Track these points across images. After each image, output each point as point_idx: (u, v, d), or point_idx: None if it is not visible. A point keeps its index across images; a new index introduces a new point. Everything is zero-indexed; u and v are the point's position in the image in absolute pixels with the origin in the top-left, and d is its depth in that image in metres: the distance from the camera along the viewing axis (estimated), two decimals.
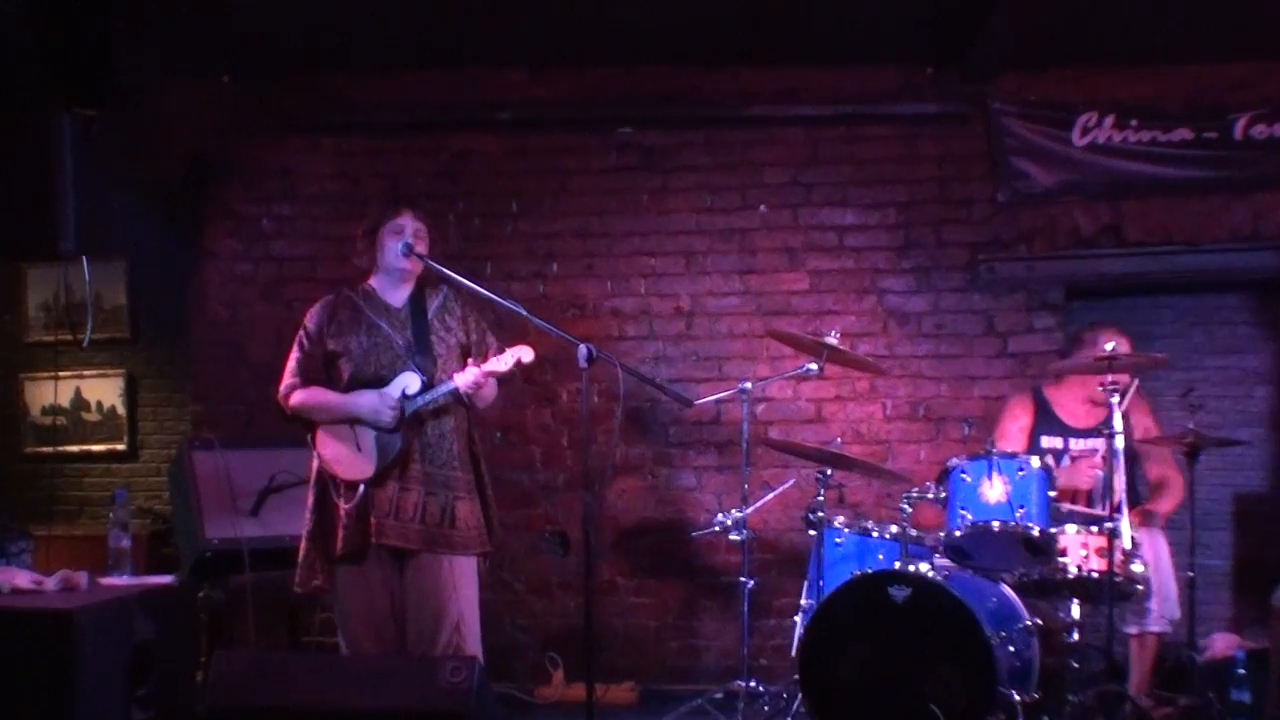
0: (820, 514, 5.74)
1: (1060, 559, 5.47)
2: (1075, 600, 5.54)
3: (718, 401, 6.64)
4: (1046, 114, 6.92)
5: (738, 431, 6.25)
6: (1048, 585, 5.60)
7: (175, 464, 6.08)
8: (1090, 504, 5.93)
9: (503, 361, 4.78)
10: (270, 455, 5.87)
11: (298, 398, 4.95)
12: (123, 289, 8.12)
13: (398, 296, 5.01)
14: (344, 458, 4.87)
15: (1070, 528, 5.51)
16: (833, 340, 5.77)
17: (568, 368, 6.83)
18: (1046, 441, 6.08)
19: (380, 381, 4.85)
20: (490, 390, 4.96)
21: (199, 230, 7.25)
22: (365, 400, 4.83)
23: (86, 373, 8.23)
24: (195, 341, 7.30)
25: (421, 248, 4.95)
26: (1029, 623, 5.47)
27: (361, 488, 4.82)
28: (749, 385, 6.00)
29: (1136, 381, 5.97)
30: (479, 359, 4.91)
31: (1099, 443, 5.72)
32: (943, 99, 6.99)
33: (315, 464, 4.95)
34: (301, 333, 5.01)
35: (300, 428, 5.01)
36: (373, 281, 5.05)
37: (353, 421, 4.86)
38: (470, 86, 7.17)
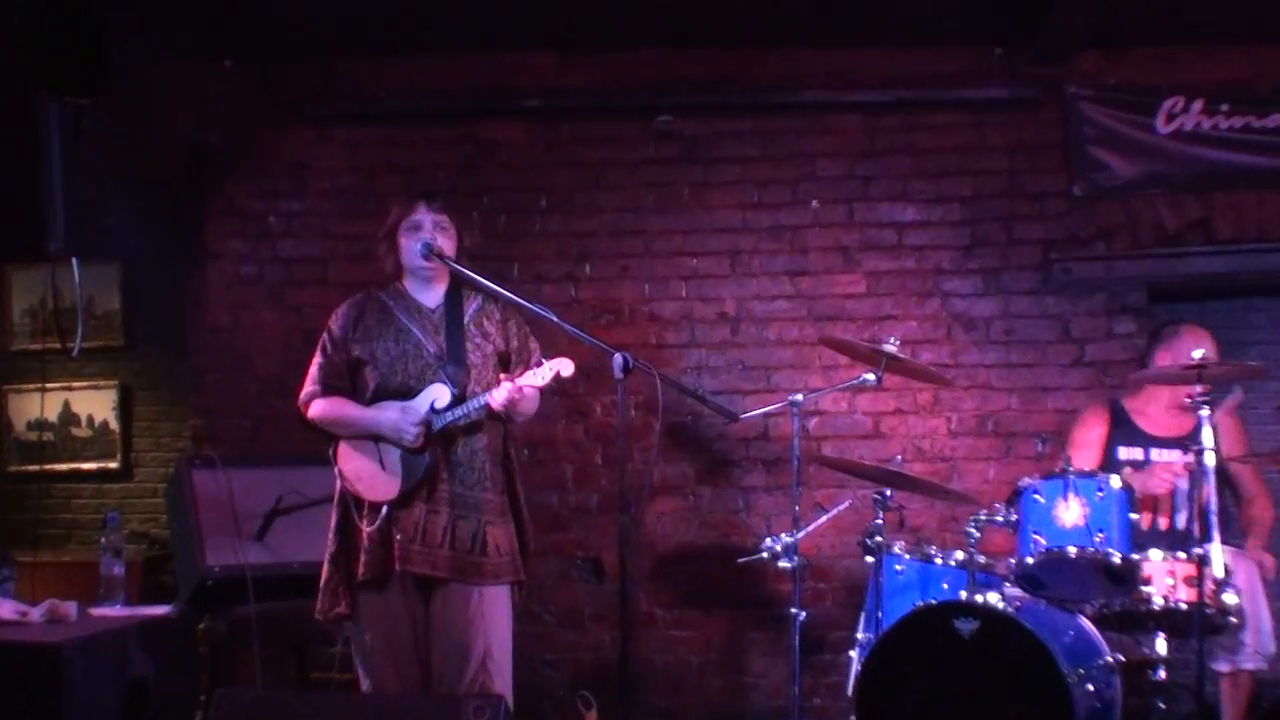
0: (879, 539, 5.73)
1: (1144, 588, 5.42)
2: (1161, 634, 5.50)
3: (766, 415, 6.62)
4: (1128, 98, 6.90)
5: (788, 448, 6.25)
6: (1130, 617, 5.56)
7: (173, 484, 6.10)
8: (1172, 514, 5.89)
9: (540, 375, 4.77)
10: (277, 474, 5.89)
11: (317, 408, 4.98)
12: (116, 293, 8.19)
13: (430, 297, 5.03)
14: (366, 475, 4.89)
15: (1155, 553, 5.46)
16: (892, 348, 5.76)
17: (602, 379, 6.82)
18: (1125, 453, 6.05)
19: (408, 393, 4.86)
20: (530, 404, 4.98)
21: (199, 229, 7.30)
22: (388, 416, 4.85)
23: (76, 384, 8.30)
24: (195, 350, 7.34)
25: (446, 245, 4.95)
26: (1110, 659, 5.44)
27: (385, 509, 4.83)
28: (800, 397, 5.99)
29: (1239, 392, 5.92)
30: (520, 369, 4.92)
31: (1185, 454, 5.66)
32: (1013, 82, 6.98)
33: (338, 481, 4.97)
34: (325, 335, 5.04)
35: (321, 439, 5.04)
36: (405, 281, 5.07)
37: (376, 438, 4.89)
38: (495, 71, 7.20)
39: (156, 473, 8.18)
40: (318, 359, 5.02)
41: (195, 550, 5.71)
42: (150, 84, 6.81)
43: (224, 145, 7.24)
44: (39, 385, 8.14)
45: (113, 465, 8.28)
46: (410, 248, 4.94)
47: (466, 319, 5.00)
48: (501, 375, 4.89)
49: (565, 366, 4.78)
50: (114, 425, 8.29)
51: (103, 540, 5.55)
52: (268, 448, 6.89)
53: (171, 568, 6.48)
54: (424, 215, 4.96)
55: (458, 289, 5.05)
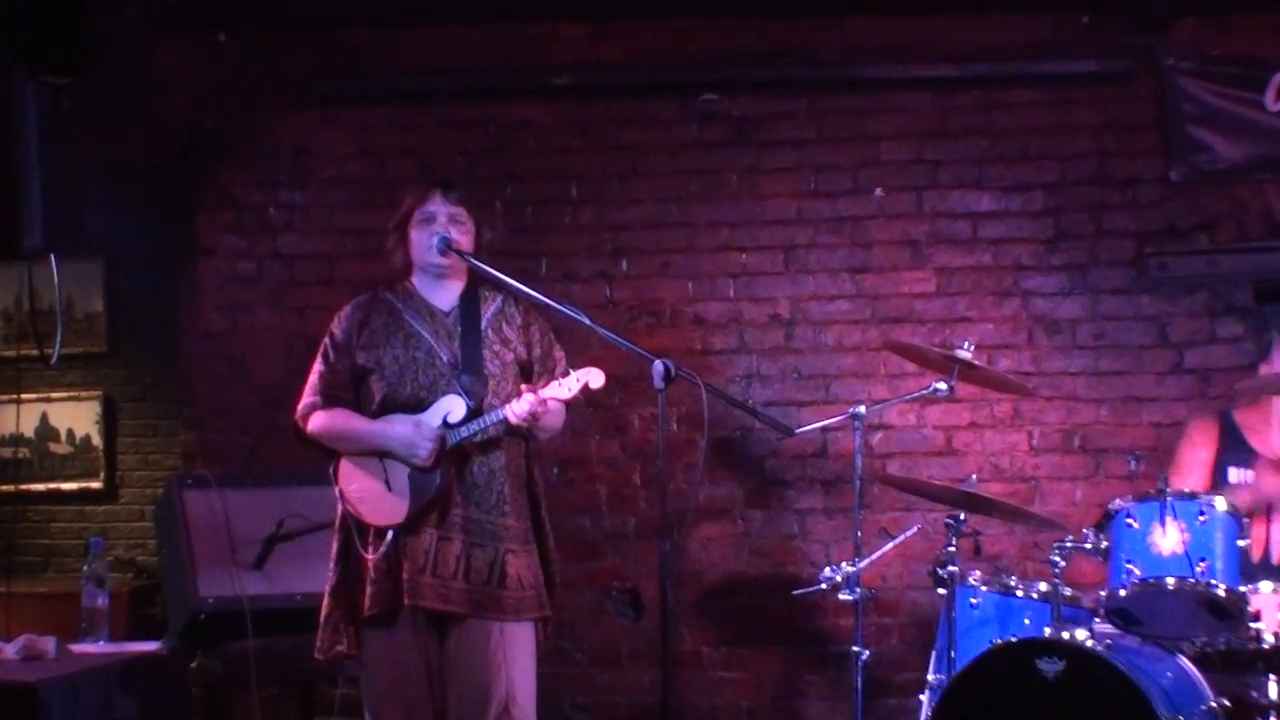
0: (951, 568, 5.70)
1: (1253, 624, 5.38)
2: (1272, 676, 5.45)
3: (824, 429, 6.63)
4: (1233, 72, 6.87)
5: (849, 466, 6.22)
6: (1237, 657, 5.51)
7: (162, 506, 6.14)
8: None
9: (565, 387, 4.74)
10: (278, 495, 5.92)
11: (317, 421, 4.97)
12: (99, 293, 8.25)
13: (444, 297, 5.01)
14: (371, 497, 4.88)
15: (1265, 585, 5.42)
16: (966, 354, 5.73)
17: (640, 389, 6.84)
18: (1235, 475, 5.99)
19: (418, 405, 4.85)
20: (555, 418, 4.97)
21: (192, 222, 7.35)
22: (397, 430, 4.83)
23: (55, 395, 8.35)
24: (187, 357, 7.39)
25: (463, 239, 4.94)
26: (1214, 703, 5.39)
27: (391, 535, 4.81)
28: (863, 410, 5.97)
29: None
30: (542, 381, 4.89)
31: None
32: (1102, 54, 6.96)
33: (340, 504, 4.96)
34: (327, 341, 5.03)
35: (320, 457, 5.03)
36: (414, 279, 5.06)
37: (382, 454, 4.88)
38: (520, 45, 7.24)
39: (144, 494, 8.23)
40: (318, 367, 5.02)
41: (187, 580, 5.74)
42: (137, 61, 6.82)
43: (219, 129, 7.29)
44: (14, 396, 8.18)
45: (95, 485, 8.33)
46: (422, 242, 4.93)
47: (484, 323, 4.98)
48: (523, 386, 4.84)
49: (595, 377, 4.75)
50: (97, 441, 8.34)
51: (84, 569, 5.58)
52: (268, 466, 6.92)
53: (161, 599, 6.53)
54: (439, 206, 4.94)
55: (476, 289, 5.04)
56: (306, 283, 7.28)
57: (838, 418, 6.15)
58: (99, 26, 5.50)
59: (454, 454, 4.83)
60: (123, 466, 8.38)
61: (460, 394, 4.83)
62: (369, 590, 4.82)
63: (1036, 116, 7.04)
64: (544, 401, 4.75)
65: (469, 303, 5.01)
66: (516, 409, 4.73)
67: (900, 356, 6.54)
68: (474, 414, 4.82)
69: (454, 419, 4.81)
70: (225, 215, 7.34)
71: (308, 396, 5.01)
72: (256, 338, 7.27)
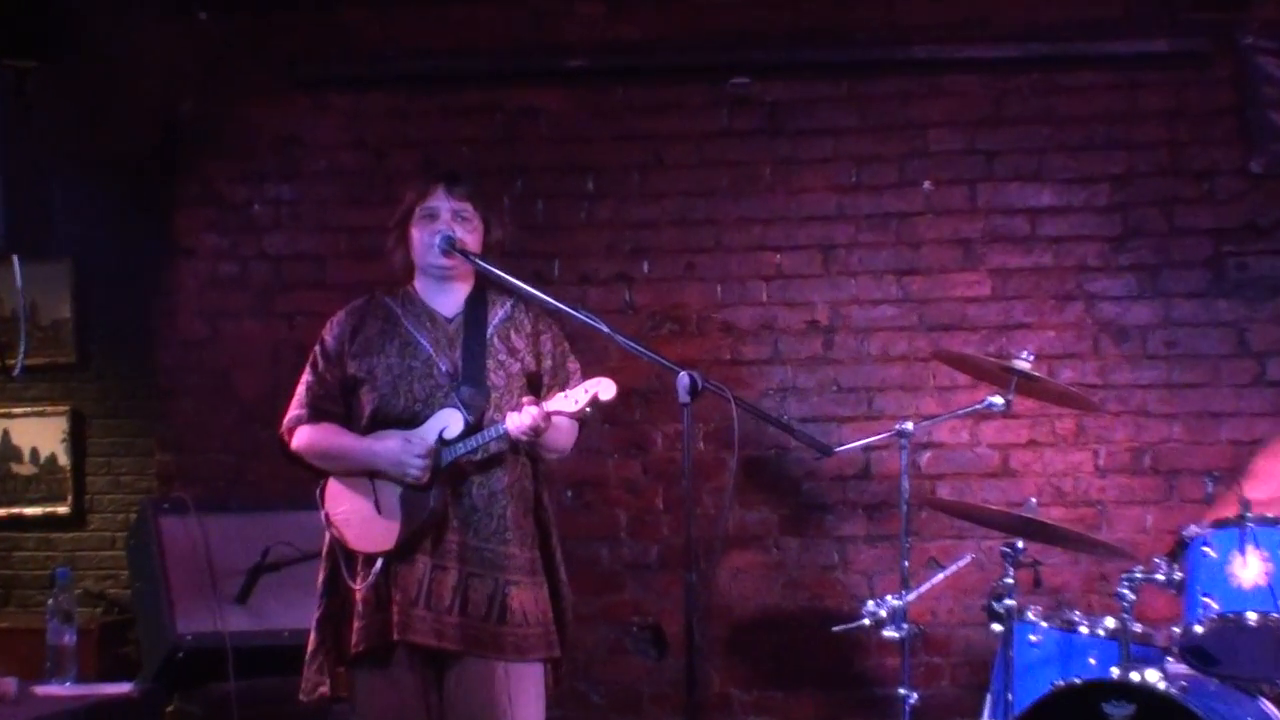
0: (1008, 602, 5.68)
1: None
2: None
3: (867, 448, 6.62)
4: None
5: (894, 489, 6.22)
6: None
7: (135, 533, 6.15)
8: None
9: (572, 399, 4.71)
10: (264, 521, 5.94)
11: (303, 437, 4.98)
12: (67, 298, 8.25)
13: (448, 302, 5.01)
14: (359, 521, 4.88)
15: None
16: (1024, 364, 5.73)
17: (663, 403, 6.87)
18: None
19: (412, 419, 4.84)
20: (563, 436, 4.96)
21: (170, 220, 7.38)
22: (387, 446, 4.82)
23: (17, 410, 8.36)
24: (164, 369, 7.42)
25: (468, 238, 4.94)
26: None
27: (380, 563, 4.81)
28: (909, 426, 5.98)
29: None
30: (551, 394, 4.88)
31: None
32: (1175, 33, 6.95)
33: (327, 529, 4.96)
34: (317, 349, 5.04)
35: (307, 476, 5.04)
36: (416, 283, 5.07)
37: (372, 473, 4.88)
38: (531, 23, 7.27)
39: (115, 519, 8.23)
40: (306, 377, 5.03)
41: (163, 615, 5.75)
42: (109, 42, 6.86)
43: (199, 117, 7.32)
44: None
45: (62, 510, 8.33)
46: (424, 241, 4.92)
47: (490, 330, 4.97)
48: (524, 399, 4.82)
49: (605, 388, 4.70)
50: (63, 460, 8.35)
51: (50, 602, 5.57)
52: (253, 489, 6.95)
53: (134, 636, 6.54)
54: (442, 202, 4.93)
55: (483, 293, 5.04)
56: (296, 286, 7.30)
57: (882, 435, 6.19)
58: (67, 5, 5.54)
59: (451, 474, 4.81)
60: (92, 489, 8.39)
61: (458, 407, 4.82)
62: (356, 625, 4.81)
63: (1102, 101, 7.04)
64: (547, 415, 4.73)
65: (475, 308, 5.00)
66: (516, 422, 4.72)
67: (951, 367, 6.55)
68: (473, 429, 4.81)
69: (451, 434, 4.80)
70: (206, 212, 7.37)
71: (294, 409, 5.02)
72: (241, 347, 7.29)
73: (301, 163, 7.34)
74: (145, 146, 7.22)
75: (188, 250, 7.36)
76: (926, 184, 7.11)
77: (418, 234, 4.95)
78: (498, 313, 5.03)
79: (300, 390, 5.03)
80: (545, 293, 4.88)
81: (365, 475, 4.89)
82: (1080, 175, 7.04)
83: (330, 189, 7.33)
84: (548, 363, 5.02)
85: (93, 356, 8.34)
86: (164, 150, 7.29)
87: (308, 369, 5.03)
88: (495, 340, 4.97)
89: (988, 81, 7.08)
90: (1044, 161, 7.06)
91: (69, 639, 5.52)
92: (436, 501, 4.80)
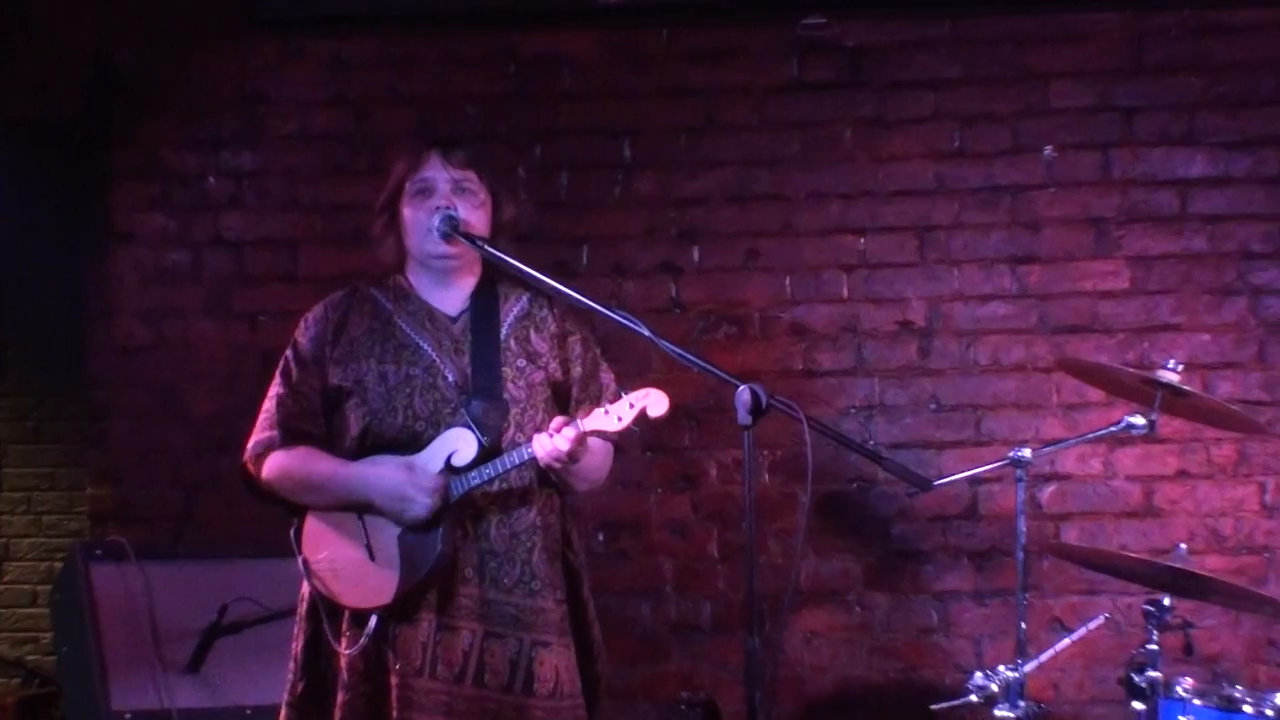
0: (1152, 674, 5.66)
1: None
2: None
3: (974, 481, 6.63)
4: None
5: (1008, 532, 6.22)
6: None
7: (61, 585, 6.17)
8: None
9: (615, 416, 4.66)
10: (221, 571, 5.96)
11: (274, 464, 4.95)
12: None
13: (451, 297, 5.01)
14: (346, 569, 4.87)
15: None
16: (1172, 376, 5.71)
17: (718, 425, 6.89)
18: None
19: (413, 441, 4.83)
20: (598, 461, 4.95)
21: (103, 197, 7.40)
22: (383, 475, 4.79)
23: None
24: (97, 382, 7.43)
25: (474, 219, 4.92)
26: None
27: (374, 621, 4.79)
28: (1027, 454, 5.94)
29: None
30: (582, 409, 4.86)
31: None
32: None
33: (305, 581, 4.94)
34: (289, 353, 5.02)
35: (280, 513, 5.01)
36: (410, 273, 5.06)
37: (362, 509, 4.86)
38: None
39: (36, 569, 8.27)
40: (276, 390, 5.00)
41: (95, 687, 5.76)
42: None
43: (139, 68, 7.33)
44: None
45: None
46: (419, 223, 4.90)
47: (505, 331, 4.97)
48: (556, 420, 4.74)
49: (655, 403, 4.65)
50: None
51: None
52: (208, 530, 6.97)
53: (59, 713, 6.53)
54: (440, 172, 4.93)
55: (493, 285, 5.04)
56: (260, 279, 7.32)
57: (993, 465, 6.17)
58: None
59: (463, 510, 4.80)
60: (7, 531, 8.42)
61: (470, 426, 4.79)
62: (341, 699, 4.79)
63: (1268, 46, 7.03)
64: (583, 437, 4.69)
65: (484, 303, 4.99)
66: (547, 447, 4.67)
67: (1079, 380, 6.52)
68: (489, 454, 4.77)
69: (461, 460, 4.77)
70: (149, 187, 7.39)
71: (261, 430, 4.99)
72: (192, 355, 7.31)
73: (267, 124, 7.36)
74: (72, 106, 7.24)
75: (126, 234, 7.38)
76: (1048, 149, 7.10)
77: (411, 213, 4.94)
78: (512, 308, 5.03)
79: (269, 407, 5.00)
80: (570, 287, 4.82)
81: (354, 511, 4.87)
82: (1241, 138, 7.03)
83: (303, 157, 7.35)
84: (577, 370, 5.01)
85: (8, 368, 8.39)
86: (95, 111, 7.30)
87: (277, 380, 5.01)
88: (511, 343, 4.96)
89: (1126, 20, 7.09)
90: (1196, 121, 7.06)
91: None
92: (445, 544, 4.76)
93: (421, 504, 4.72)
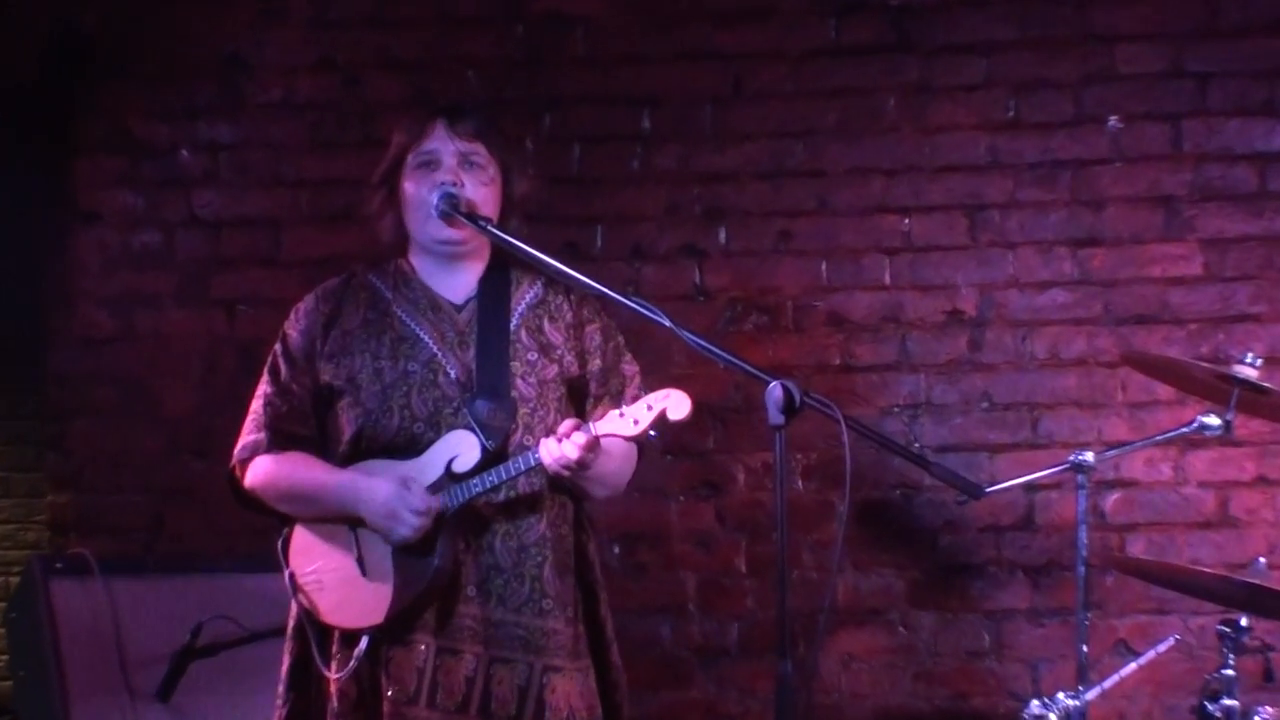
0: (1228, 702, 5.64)
1: None
2: None
3: (1030, 488, 6.62)
4: None
5: (1068, 544, 6.23)
6: None
7: (17, 603, 6.15)
8: None
9: (630, 419, 4.62)
10: (196, 587, 5.95)
11: (261, 471, 4.93)
12: None
13: (456, 283, 4.99)
14: (335, 585, 4.85)
15: None
16: (1250, 371, 5.71)
17: (746, 425, 6.90)
18: None
19: (410, 444, 4.81)
20: (617, 464, 4.91)
21: (65, 172, 7.40)
22: (374, 488, 4.74)
23: None
24: (57, 377, 7.44)
25: (480, 196, 4.88)
26: None
27: (365, 643, 4.76)
28: (1089, 457, 5.96)
29: None
30: (599, 409, 4.86)
31: None
32: None
33: (293, 598, 4.92)
34: (278, 348, 5.00)
35: (264, 522, 5.00)
36: (412, 257, 5.04)
37: (353, 521, 4.83)
38: None
39: None
40: (264, 387, 4.98)
41: (55, 715, 5.74)
42: None
43: (105, 31, 7.32)
44: None
45: None
46: (420, 201, 4.86)
47: (514, 321, 4.95)
48: (566, 422, 4.69)
49: (676, 404, 4.59)
50: None
51: None
52: (181, 542, 6.97)
53: None
54: (446, 144, 4.89)
55: (504, 270, 5.02)
56: (239, 263, 7.32)
57: (1051, 470, 6.17)
58: None
59: (465, 521, 4.76)
60: None
61: (473, 429, 4.76)
62: None
63: None
64: (597, 441, 4.65)
65: (493, 290, 4.97)
66: (555, 453, 4.63)
67: (1147, 375, 6.54)
68: (494, 459, 4.74)
69: (462, 466, 4.73)
70: (115, 161, 7.40)
71: (249, 433, 4.97)
72: (163, 347, 7.31)
73: (247, 92, 7.37)
74: (30, 72, 7.22)
75: (89, 214, 7.39)
76: (1113, 120, 7.08)
77: (413, 189, 4.90)
78: (525, 296, 5.01)
79: (257, 407, 4.99)
80: (582, 273, 4.76)
81: (344, 522, 4.84)
82: None
83: (286, 128, 7.35)
84: (596, 364, 4.99)
85: None
86: (57, 77, 7.28)
87: (265, 378, 4.99)
88: (522, 334, 4.94)
89: None
90: (1276, 89, 7.04)
91: None
92: (444, 559, 4.73)
93: (407, 525, 4.66)
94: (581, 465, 4.62)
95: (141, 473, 7.23)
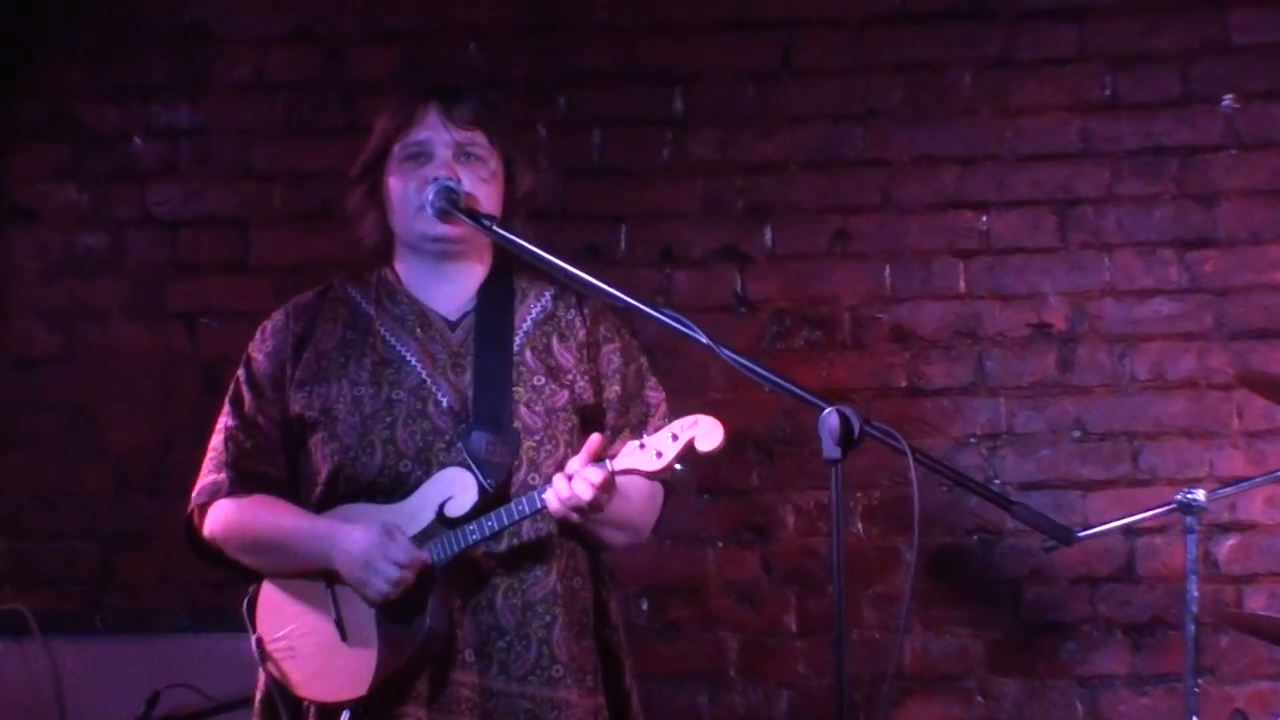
0: None
1: None
2: None
3: (1130, 531, 6.65)
4: None
5: (1175, 598, 6.25)
6: None
7: None
8: None
9: (650, 452, 4.59)
10: (150, 650, 5.97)
11: (220, 517, 4.95)
12: None
13: (450, 294, 5.01)
14: (310, 652, 4.87)
15: None
16: None
17: (797, 459, 6.91)
18: None
19: (396, 486, 4.82)
20: (638, 506, 4.93)
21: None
22: (351, 536, 4.72)
23: None
24: None
25: (480, 190, 4.90)
26: None
27: (345, 717, 4.77)
28: (1200, 495, 5.98)
29: None
30: (618, 441, 4.82)
31: None
32: None
33: (261, 666, 4.92)
34: (241, 375, 5.03)
35: (234, 579, 5.02)
36: (399, 263, 5.06)
37: (329, 576, 4.84)
38: None
39: None
40: (225, 419, 5.01)
41: None
42: None
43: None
44: None
45: None
46: (409, 196, 4.89)
47: (518, 339, 4.96)
48: (573, 459, 4.67)
49: (706, 434, 4.56)
50: None
51: None
52: (133, 597, 6.99)
53: None
54: (439, 133, 4.92)
55: (506, 278, 5.04)
56: (200, 269, 7.38)
57: (1156, 511, 6.20)
58: None
59: (460, 573, 4.76)
60: None
61: (469, 466, 4.76)
62: None
63: None
64: (611, 481, 4.61)
65: (494, 303, 4.99)
66: (563, 494, 4.59)
67: (1267, 399, 6.54)
68: (493, 501, 4.72)
69: (456, 510, 4.72)
70: (56, 150, 7.47)
71: (208, 473, 4.99)
72: (112, 367, 7.36)
73: (211, 69, 7.43)
74: None
75: (26, 211, 7.46)
76: (1227, 100, 7.12)
77: (399, 185, 4.92)
78: (531, 310, 5.02)
79: (217, 443, 5.00)
80: (604, 280, 4.78)
81: (321, 578, 4.84)
82: None
83: (256, 111, 7.42)
84: (614, 390, 5.00)
85: None
86: None
87: (227, 409, 5.01)
88: (527, 354, 4.94)
89: None
90: None
91: None
92: (437, 619, 4.72)
93: (384, 579, 4.63)
94: (594, 507, 4.58)
95: (86, 515, 7.27)
